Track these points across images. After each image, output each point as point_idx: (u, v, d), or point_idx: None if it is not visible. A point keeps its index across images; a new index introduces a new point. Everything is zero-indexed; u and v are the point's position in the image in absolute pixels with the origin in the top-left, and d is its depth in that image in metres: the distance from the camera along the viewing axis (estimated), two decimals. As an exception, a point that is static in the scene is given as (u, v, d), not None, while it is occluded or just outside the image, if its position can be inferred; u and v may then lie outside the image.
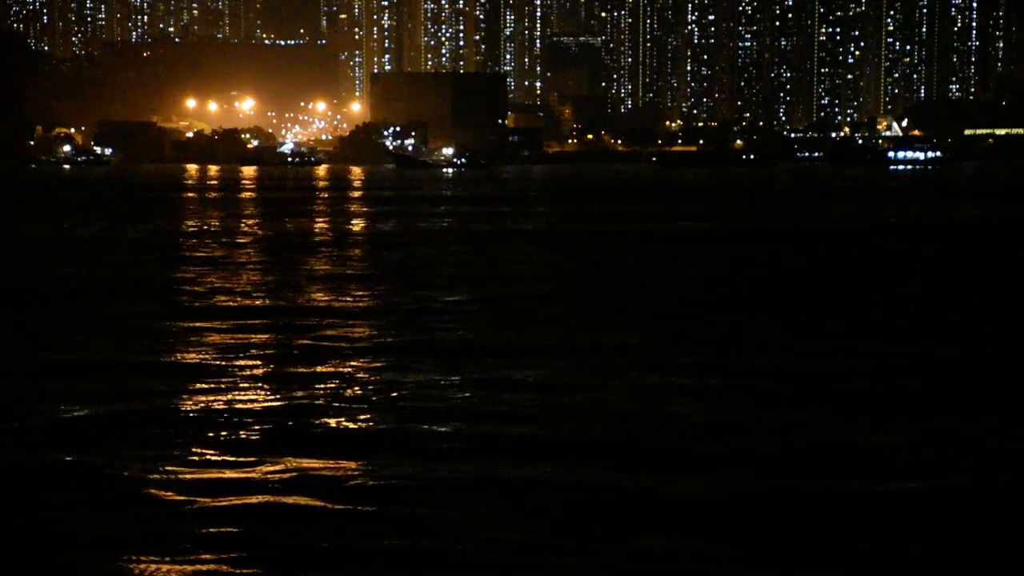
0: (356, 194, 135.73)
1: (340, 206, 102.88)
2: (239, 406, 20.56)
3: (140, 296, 36.44)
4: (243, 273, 43.68)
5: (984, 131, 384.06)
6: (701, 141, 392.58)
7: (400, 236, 64.33)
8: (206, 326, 29.77)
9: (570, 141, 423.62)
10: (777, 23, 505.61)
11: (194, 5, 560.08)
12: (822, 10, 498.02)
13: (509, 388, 21.94)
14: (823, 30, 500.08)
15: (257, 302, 35.09)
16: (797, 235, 64.30)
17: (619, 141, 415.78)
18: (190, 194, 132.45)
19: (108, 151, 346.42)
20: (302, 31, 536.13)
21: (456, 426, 19.17)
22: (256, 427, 19.15)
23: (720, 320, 30.80)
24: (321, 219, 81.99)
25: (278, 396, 21.41)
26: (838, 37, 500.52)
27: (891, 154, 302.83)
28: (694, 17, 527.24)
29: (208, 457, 17.35)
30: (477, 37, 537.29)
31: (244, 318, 31.36)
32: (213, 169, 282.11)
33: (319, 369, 23.96)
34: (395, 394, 21.51)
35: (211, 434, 18.64)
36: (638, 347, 26.48)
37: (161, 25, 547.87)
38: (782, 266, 47.21)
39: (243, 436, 18.57)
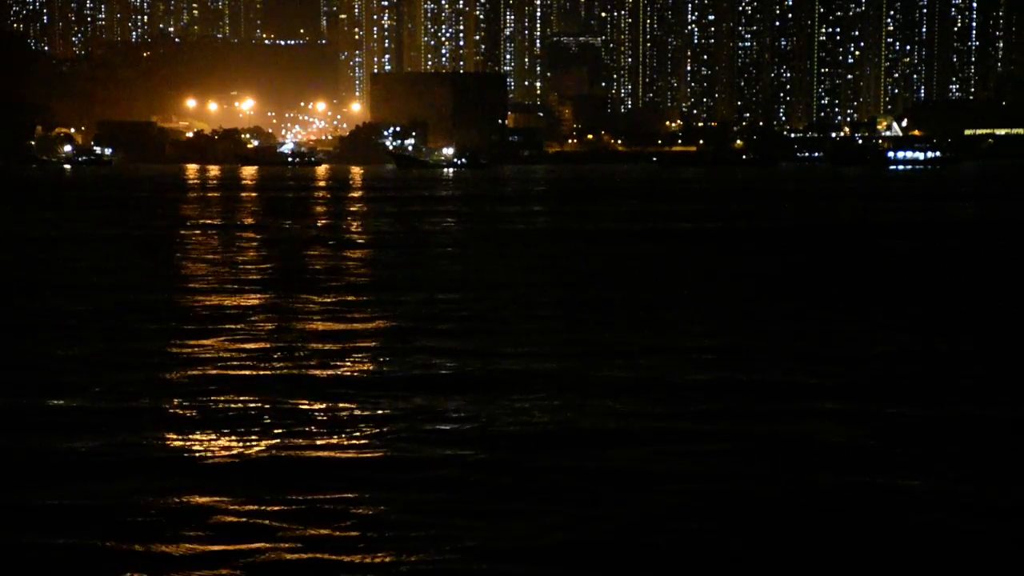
0: (356, 194, 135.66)
1: (340, 206, 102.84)
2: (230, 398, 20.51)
3: (142, 297, 36.37)
4: (239, 271, 43.62)
5: (984, 131, 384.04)
6: (701, 141, 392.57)
7: (400, 236, 64.31)
8: (203, 323, 29.74)
9: (570, 141, 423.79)
10: (777, 23, 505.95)
11: (194, 5, 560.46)
12: (822, 10, 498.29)
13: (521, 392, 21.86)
14: (823, 30, 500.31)
15: (252, 300, 35.02)
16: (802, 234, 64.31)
17: (619, 141, 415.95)
18: (192, 193, 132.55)
19: (108, 151, 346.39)
20: (302, 31, 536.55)
21: (460, 427, 19.12)
22: (250, 419, 19.08)
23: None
24: (321, 219, 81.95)
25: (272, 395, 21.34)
26: (838, 37, 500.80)
27: (891, 154, 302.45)
28: (694, 17, 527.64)
29: (203, 443, 17.27)
30: (477, 37, 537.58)
31: (241, 318, 31.31)
32: (213, 169, 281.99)
33: (317, 370, 23.91)
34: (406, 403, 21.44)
35: (204, 418, 18.60)
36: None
37: (161, 25, 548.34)
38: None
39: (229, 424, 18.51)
